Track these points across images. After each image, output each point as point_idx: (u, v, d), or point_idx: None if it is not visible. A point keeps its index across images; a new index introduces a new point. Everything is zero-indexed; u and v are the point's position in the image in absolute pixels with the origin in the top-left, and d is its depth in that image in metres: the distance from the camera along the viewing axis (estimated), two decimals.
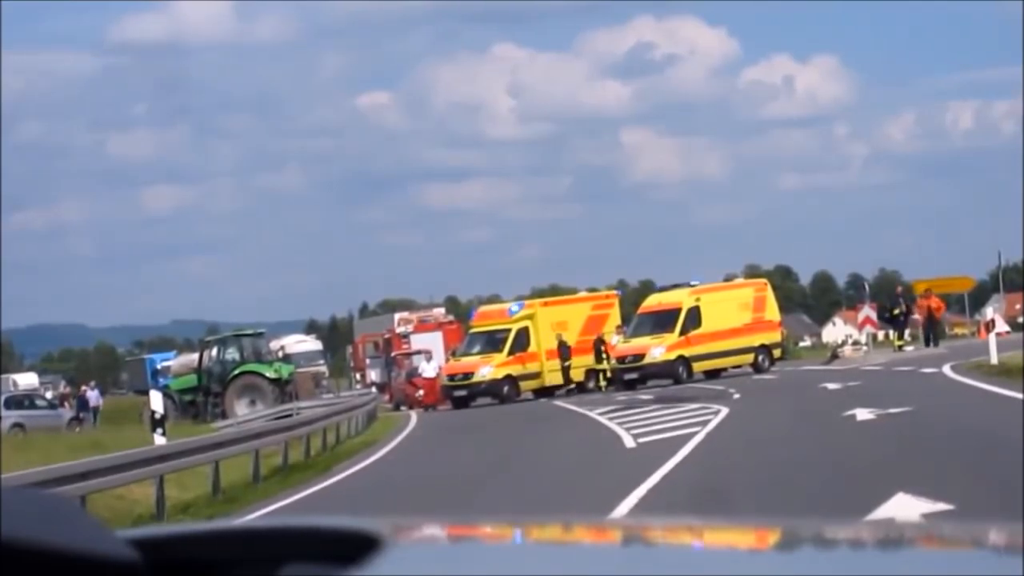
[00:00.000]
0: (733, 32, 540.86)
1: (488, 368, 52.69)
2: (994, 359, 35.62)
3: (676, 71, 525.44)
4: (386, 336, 67.11)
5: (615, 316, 56.52)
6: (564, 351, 53.04)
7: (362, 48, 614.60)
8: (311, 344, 75.92)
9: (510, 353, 53.14)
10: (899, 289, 62.39)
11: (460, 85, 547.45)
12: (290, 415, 38.06)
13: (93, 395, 68.14)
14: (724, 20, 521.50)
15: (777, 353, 55.27)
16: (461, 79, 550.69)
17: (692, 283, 54.82)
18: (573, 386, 52.90)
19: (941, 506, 12.74)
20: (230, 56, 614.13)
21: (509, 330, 53.72)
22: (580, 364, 53.34)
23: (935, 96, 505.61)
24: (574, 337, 53.68)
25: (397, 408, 56.81)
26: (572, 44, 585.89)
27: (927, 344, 55.34)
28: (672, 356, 51.24)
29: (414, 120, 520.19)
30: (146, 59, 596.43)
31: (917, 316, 58.40)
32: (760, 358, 53.27)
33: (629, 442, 25.40)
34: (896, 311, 56.77)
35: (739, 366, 52.88)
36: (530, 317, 54.45)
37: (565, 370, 53.02)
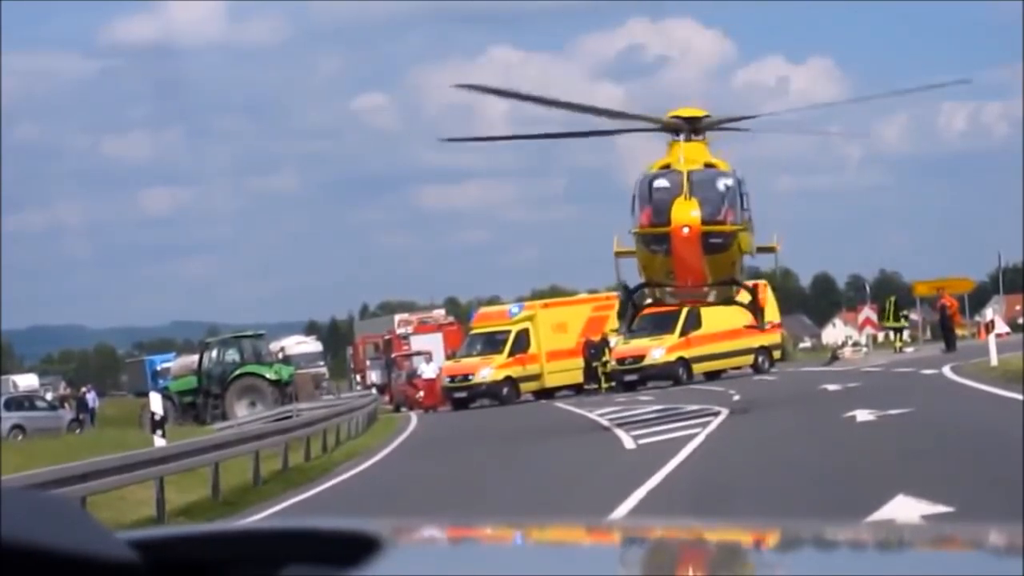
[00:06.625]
0: (728, 33, 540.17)
1: (488, 369, 52.68)
2: (994, 360, 35.61)
3: (671, 72, 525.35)
4: (386, 337, 67.11)
5: (615, 318, 56.39)
6: (598, 350, 52.18)
7: (358, 50, 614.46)
8: (311, 345, 75.90)
9: (510, 354, 53.12)
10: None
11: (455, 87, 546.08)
12: (290, 417, 38.07)
13: (91, 397, 68.12)
14: (719, 21, 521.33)
15: (777, 354, 55.31)
16: (456, 81, 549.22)
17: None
18: (613, 385, 51.35)
19: (941, 508, 12.73)
20: (226, 58, 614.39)
21: (509, 331, 53.71)
22: (578, 366, 53.17)
23: (933, 97, 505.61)
24: (574, 339, 53.55)
25: (397, 409, 56.85)
26: (567, 46, 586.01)
27: (948, 347, 53.60)
28: (672, 357, 51.24)
29: (410, 122, 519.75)
30: (141, 61, 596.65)
31: (915, 317, 58.31)
32: (760, 359, 53.30)
33: (629, 443, 25.38)
34: (903, 314, 56.70)
35: (739, 367, 52.89)
36: (530, 319, 54.44)
37: (594, 370, 52.36)
